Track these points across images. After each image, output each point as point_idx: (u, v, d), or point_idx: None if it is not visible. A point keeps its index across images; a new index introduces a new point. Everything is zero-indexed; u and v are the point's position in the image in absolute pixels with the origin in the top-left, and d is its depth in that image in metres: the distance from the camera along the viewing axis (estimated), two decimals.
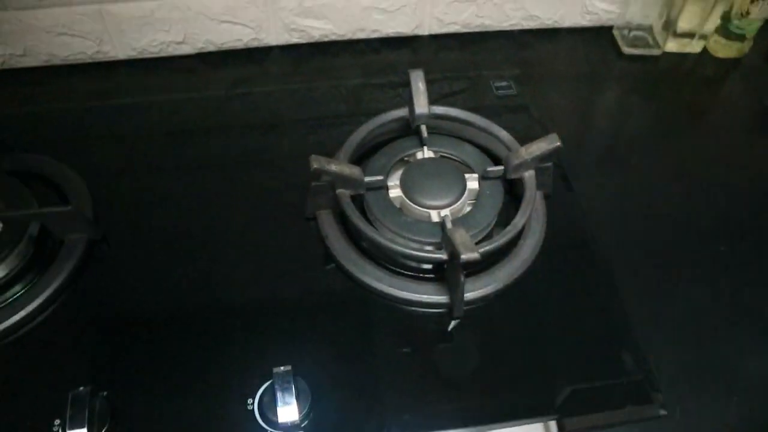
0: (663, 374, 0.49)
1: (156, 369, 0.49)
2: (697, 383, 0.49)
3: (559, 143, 0.55)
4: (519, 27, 0.81)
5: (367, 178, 0.55)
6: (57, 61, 0.76)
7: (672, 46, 0.79)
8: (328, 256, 0.55)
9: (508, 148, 0.58)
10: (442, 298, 0.52)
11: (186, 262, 0.56)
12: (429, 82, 0.61)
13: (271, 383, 0.45)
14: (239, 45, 0.78)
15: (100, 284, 0.55)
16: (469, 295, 0.52)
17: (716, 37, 0.78)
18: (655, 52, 0.79)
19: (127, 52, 0.76)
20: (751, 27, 0.75)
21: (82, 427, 0.43)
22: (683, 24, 0.76)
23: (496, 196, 0.57)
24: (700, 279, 0.56)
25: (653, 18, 0.79)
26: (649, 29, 0.80)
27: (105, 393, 0.47)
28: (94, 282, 0.55)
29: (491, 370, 0.49)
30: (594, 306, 0.53)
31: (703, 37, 0.78)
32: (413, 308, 0.53)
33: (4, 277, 0.53)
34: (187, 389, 0.48)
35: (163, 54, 0.77)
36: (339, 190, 0.54)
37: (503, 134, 0.59)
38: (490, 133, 0.60)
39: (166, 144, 0.67)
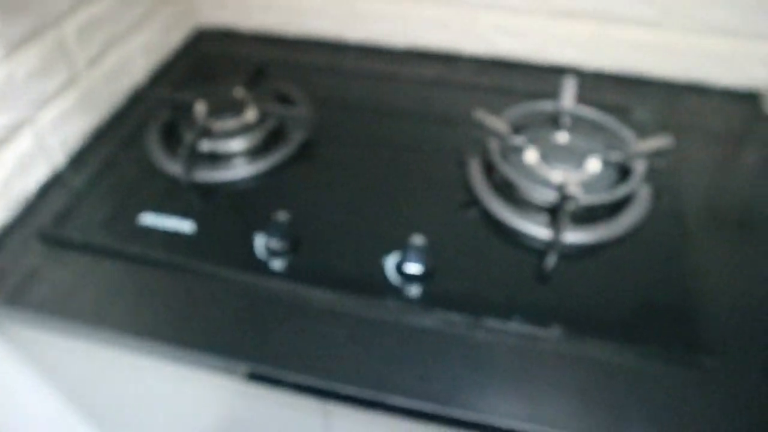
0: None
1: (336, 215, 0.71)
2: None
3: (671, 141, 0.68)
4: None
5: (512, 139, 0.73)
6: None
7: None
8: (468, 186, 0.74)
9: (628, 143, 0.73)
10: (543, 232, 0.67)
11: (364, 174, 0.77)
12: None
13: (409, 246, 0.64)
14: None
15: (300, 171, 0.78)
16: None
17: None
18: None
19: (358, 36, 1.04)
20: None
21: (275, 237, 0.65)
22: None
23: (612, 177, 0.71)
24: None
25: None
26: None
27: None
28: (298, 168, 0.79)
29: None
30: (662, 288, 0.62)
31: None
32: (518, 237, 0.68)
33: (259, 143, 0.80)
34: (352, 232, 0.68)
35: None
36: (490, 139, 0.73)
37: (626, 133, 0.74)
38: (617, 136, 0.75)
39: (366, 88, 0.91)
